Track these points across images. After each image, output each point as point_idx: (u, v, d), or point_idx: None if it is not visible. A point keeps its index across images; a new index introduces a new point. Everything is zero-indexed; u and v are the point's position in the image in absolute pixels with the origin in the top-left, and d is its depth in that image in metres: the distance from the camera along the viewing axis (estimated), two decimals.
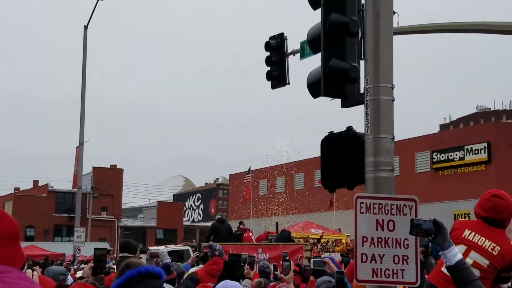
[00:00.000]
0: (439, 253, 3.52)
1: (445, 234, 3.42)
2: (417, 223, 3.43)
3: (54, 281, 7.99)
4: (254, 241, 18.44)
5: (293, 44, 13.88)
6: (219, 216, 20.20)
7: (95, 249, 4.35)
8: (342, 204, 36.11)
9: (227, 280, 3.81)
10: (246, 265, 7.47)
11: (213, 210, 57.54)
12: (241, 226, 19.88)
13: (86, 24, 27.46)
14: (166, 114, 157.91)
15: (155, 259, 11.08)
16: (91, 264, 4.25)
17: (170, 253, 17.34)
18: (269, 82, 13.53)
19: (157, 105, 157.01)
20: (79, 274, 11.38)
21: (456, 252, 3.43)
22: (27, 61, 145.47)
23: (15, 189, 68.40)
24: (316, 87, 6.36)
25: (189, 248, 17.92)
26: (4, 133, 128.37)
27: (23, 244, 15.07)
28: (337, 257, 19.48)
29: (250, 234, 19.48)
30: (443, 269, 4.45)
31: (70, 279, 6.84)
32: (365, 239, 5.46)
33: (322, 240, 30.78)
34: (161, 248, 17.84)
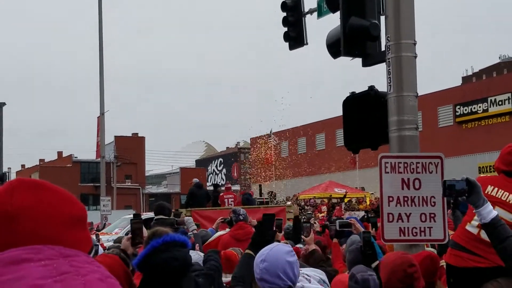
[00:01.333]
0: (474, 211, 3.47)
1: (478, 192, 3.36)
2: (450, 184, 3.36)
3: None
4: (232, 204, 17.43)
5: (310, 2, 13.62)
6: (196, 180, 19.42)
7: (131, 220, 4.39)
8: (365, 162, 35.99)
9: (277, 243, 3.65)
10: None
11: (235, 174, 57.73)
12: (220, 187, 19.18)
13: None
14: (186, 80, 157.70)
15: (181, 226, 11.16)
16: (129, 236, 4.30)
17: (147, 220, 17.12)
18: (287, 43, 13.35)
19: (177, 71, 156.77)
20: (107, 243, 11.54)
21: (490, 209, 3.37)
22: (46, 33, 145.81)
23: (40, 160, 69.40)
24: (336, 47, 6.25)
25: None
26: (27, 107, 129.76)
27: None
28: (361, 215, 19.44)
29: (229, 196, 18.32)
30: (468, 227, 4.41)
31: (100, 250, 6.94)
32: (391, 198, 5.44)
33: (346, 199, 30.88)
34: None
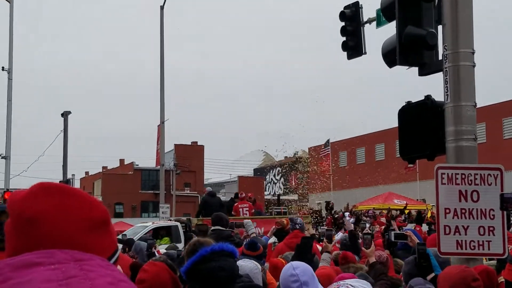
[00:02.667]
0: None
1: None
2: (507, 197, 3.28)
3: (141, 256, 8.34)
4: (247, 213, 17.07)
5: (368, 12, 13.50)
6: (210, 189, 18.81)
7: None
8: (426, 173, 35.21)
9: (297, 262, 3.89)
10: (324, 238, 7.45)
11: (293, 184, 57.63)
12: (239, 196, 18.51)
13: (162, 5, 28.00)
14: (246, 89, 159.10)
15: (239, 229, 11.27)
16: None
17: (158, 229, 16.52)
18: (345, 53, 13.27)
19: (237, 81, 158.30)
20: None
21: None
22: (108, 43, 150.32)
23: (103, 168, 71.29)
24: (392, 56, 6.18)
25: (178, 224, 16.89)
26: (91, 115, 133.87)
27: (114, 221, 15.50)
28: (424, 227, 18.98)
29: (244, 205, 17.71)
30: None
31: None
32: (447, 210, 5.32)
33: (406, 211, 30.26)
34: (148, 224, 16.99)
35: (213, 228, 8.13)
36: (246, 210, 17.15)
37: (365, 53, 13.95)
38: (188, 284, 3.84)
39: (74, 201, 1.34)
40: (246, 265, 4.93)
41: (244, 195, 18.64)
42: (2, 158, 23.95)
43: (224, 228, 8.02)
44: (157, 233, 16.01)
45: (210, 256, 3.57)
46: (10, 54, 23.91)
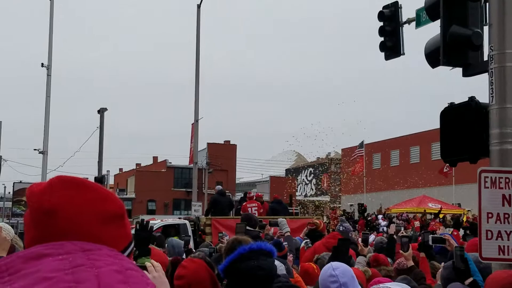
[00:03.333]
0: None
1: None
2: None
3: (173, 252, 8.35)
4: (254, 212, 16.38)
5: (407, 12, 13.32)
6: (219, 188, 18.58)
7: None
8: (461, 177, 34.66)
9: (337, 262, 3.85)
10: (360, 241, 7.39)
11: (325, 185, 57.45)
12: (248, 195, 18.13)
13: (199, 3, 28.12)
14: (277, 89, 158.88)
15: (273, 227, 11.24)
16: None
17: (166, 227, 16.32)
18: (383, 53, 13.11)
19: (268, 79, 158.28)
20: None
21: None
22: (146, 43, 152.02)
23: (137, 165, 72.10)
24: (435, 57, 6.07)
25: (186, 222, 16.72)
26: (126, 113, 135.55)
27: (146, 218, 15.60)
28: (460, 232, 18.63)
29: (252, 205, 17.27)
30: None
31: None
32: (490, 215, 5.20)
33: (440, 215, 29.82)
34: (156, 221, 16.80)
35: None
36: (255, 210, 16.82)
37: (404, 53, 13.79)
38: (226, 282, 3.83)
39: (90, 194, 1.38)
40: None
41: (252, 194, 18.53)
42: (39, 153, 24.43)
43: (252, 229, 8.01)
44: (166, 231, 16.01)
45: (249, 254, 3.55)
46: (49, 50, 24.33)
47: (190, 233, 15.38)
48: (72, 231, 1.32)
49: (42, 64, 23.97)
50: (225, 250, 4.27)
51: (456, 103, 5.88)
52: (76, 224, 1.33)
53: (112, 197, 1.43)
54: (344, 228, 8.14)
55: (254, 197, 17.94)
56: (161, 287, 2.84)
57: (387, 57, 13.48)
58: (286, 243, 7.15)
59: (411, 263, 5.93)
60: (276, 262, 5.06)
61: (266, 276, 3.53)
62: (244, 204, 17.57)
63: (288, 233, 8.25)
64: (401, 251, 6.20)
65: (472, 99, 5.61)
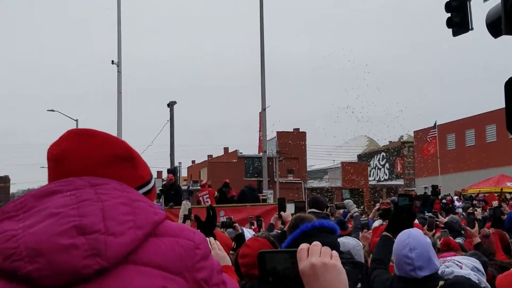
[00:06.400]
0: None
1: None
2: None
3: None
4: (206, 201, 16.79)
5: None
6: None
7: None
8: None
9: (410, 229, 3.70)
10: (426, 226, 7.29)
11: (399, 169, 56.36)
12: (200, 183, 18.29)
13: None
14: (347, 75, 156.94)
15: (341, 210, 11.24)
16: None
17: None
18: (450, 30, 12.73)
19: (338, 66, 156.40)
20: None
21: None
22: (213, 35, 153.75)
23: (209, 156, 73.16)
24: (497, 26, 5.88)
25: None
26: (196, 105, 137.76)
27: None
28: None
29: (203, 193, 17.58)
30: None
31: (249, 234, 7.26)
32: None
33: None
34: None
35: (309, 210, 8.15)
36: (206, 198, 17.15)
37: (472, 28, 13.32)
38: None
39: (97, 140, 1.47)
40: (349, 242, 4.94)
41: (203, 182, 18.93)
42: None
43: (319, 211, 8.02)
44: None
45: (311, 231, 3.58)
46: (118, 47, 25.04)
47: None
48: (79, 173, 1.40)
49: (113, 61, 24.73)
50: (288, 228, 4.34)
51: None
52: (83, 167, 1.42)
53: (119, 141, 1.51)
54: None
55: (207, 186, 18.42)
56: (222, 261, 2.96)
57: (454, 33, 13.06)
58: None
59: (477, 239, 5.80)
60: (353, 240, 5.09)
61: None
62: (197, 194, 17.94)
63: (357, 213, 8.24)
64: (467, 228, 6.07)
65: None
